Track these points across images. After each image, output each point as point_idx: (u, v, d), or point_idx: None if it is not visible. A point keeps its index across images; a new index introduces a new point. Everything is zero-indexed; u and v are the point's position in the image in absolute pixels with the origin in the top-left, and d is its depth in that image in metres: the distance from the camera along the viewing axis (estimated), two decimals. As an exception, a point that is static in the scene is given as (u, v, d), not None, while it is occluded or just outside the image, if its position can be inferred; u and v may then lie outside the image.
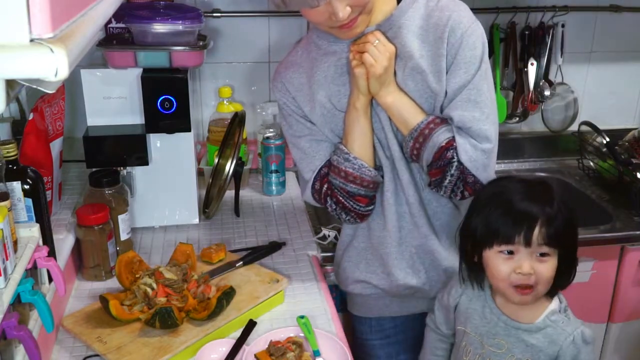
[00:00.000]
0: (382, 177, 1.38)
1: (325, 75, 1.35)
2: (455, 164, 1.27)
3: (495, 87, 2.18)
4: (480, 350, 1.24)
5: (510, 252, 1.15)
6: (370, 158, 1.36)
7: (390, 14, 1.28)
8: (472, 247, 1.22)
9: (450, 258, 1.41)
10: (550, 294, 1.21)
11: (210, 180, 1.88)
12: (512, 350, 1.21)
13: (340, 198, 1.38)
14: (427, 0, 1.28)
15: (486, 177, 1.29)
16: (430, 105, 1.30)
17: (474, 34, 1.24)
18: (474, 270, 1.25)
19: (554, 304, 1.22)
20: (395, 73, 1.28)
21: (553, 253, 1.15)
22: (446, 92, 1.27)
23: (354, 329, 1.62)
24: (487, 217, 1.18)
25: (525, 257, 1.14)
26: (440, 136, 1.27)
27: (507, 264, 1.16)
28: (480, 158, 1.27)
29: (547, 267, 1.15)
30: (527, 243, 1.13)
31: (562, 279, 1.20)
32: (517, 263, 1.15)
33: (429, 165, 1.30)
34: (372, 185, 1.36)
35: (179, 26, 1.57)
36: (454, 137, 1.27)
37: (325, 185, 1.40)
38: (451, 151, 1.27)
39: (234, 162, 1.76)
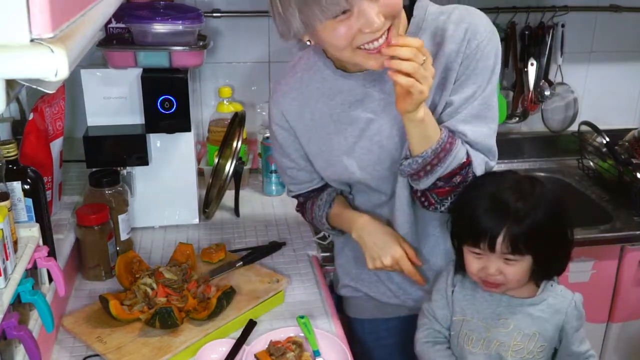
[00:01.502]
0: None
1: (331, 113, 1.28)
2: (470, 179, 1.22)
3: (495, 87, 2.19)
4: (485, 334, 1.24)
5: (480, 253, 1.18)
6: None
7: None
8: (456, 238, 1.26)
9: None
10: (541, 279, 1.23)
11: (210, 180, 1.88)
12: (519, 326, 1.22)
13: (308, 222, 1.52)
14: (438, 15, 1.21)
15: None
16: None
17: (488, 45, 1.18)
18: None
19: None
20: None
21: (521, 258, 1.16)
22: (452, 101, 1.21)
23: (350, 329, 1.61)
24: (462, 217, 1.21)
25: (492, 259, 1.17)
26: (460, 151, 1.19)
27: (476, 262, 1.19)
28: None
29: (515, 270, 1.17)
30: (492, 249, 1.15)
31: (547, 271, 1.22)
32: (485, 264, 1.18)
33: (438, 180, 1.20)
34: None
35: (179, 26, 1.57)
36: (467, 152, 1.21)
37: (300, 208, 1.51)
38: (468, 168, 1.21)
39: (234, 162, 1.76)
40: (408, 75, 1.04)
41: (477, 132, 1.21)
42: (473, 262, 1.20)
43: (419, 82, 1.04)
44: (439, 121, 1.21)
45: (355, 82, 1.25)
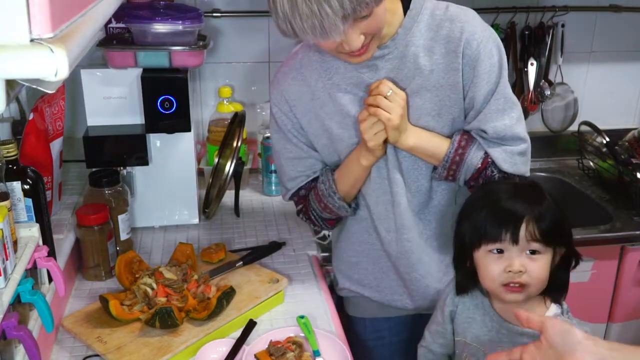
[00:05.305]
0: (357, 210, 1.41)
1: (329, 92, 1.30)
2: (497, 175, 1.27)
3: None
4: (483, 359, 1.21)
5: (500, 251, 1.13)
6: (352, 198, 1.38)
7: (396, 33, 1.23)
8: (462, 251, 1.20)
9: (444, 279, 1.40)
10: (553, 298, 1.18)
11: (210, 180, 1.88)
12: None
13: (312, 217, 1.44)
14: (434, 9, 1.24)
15: (528, 170, 1.31)
16: (448, 120, 1.27)
17: (489, 42, 1.21)
18: (467, 276, 1.22)
19: (555, 307, 1.19)
20: (407, 94, 1.25)
21: (545, 250, 1.11)
22: (471, 104, 1.25)
23: (351, 329, 1.61)
24: (474, 219, 1.16)
25: (515, 254, 1.11)
26: (474, 158, 1.26)
27: (497, 263, 1.13)
28: (520, 159, 1.28)
29: (539, 265, 1.12)
30: (515, 240, 1.10)
31: (560, 279, 1.18)
32: (508, 261, 1.12)
33: (467, 181, 1.30)
34: (343, 217, 1.44)
35: (179, 26, 1.57)
36: (486, 153, 1.26)
37: (302, 205, 1.46)
38: (489, 169, 1.27)
39: (234, 162, 1.76)
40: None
41: (498, 126, 1.24)
42: (492, 264, 1.13)
43: (386, 112, 1.20)
44: (464, 117, 1.27)
45: (350, 64, 1.27)
